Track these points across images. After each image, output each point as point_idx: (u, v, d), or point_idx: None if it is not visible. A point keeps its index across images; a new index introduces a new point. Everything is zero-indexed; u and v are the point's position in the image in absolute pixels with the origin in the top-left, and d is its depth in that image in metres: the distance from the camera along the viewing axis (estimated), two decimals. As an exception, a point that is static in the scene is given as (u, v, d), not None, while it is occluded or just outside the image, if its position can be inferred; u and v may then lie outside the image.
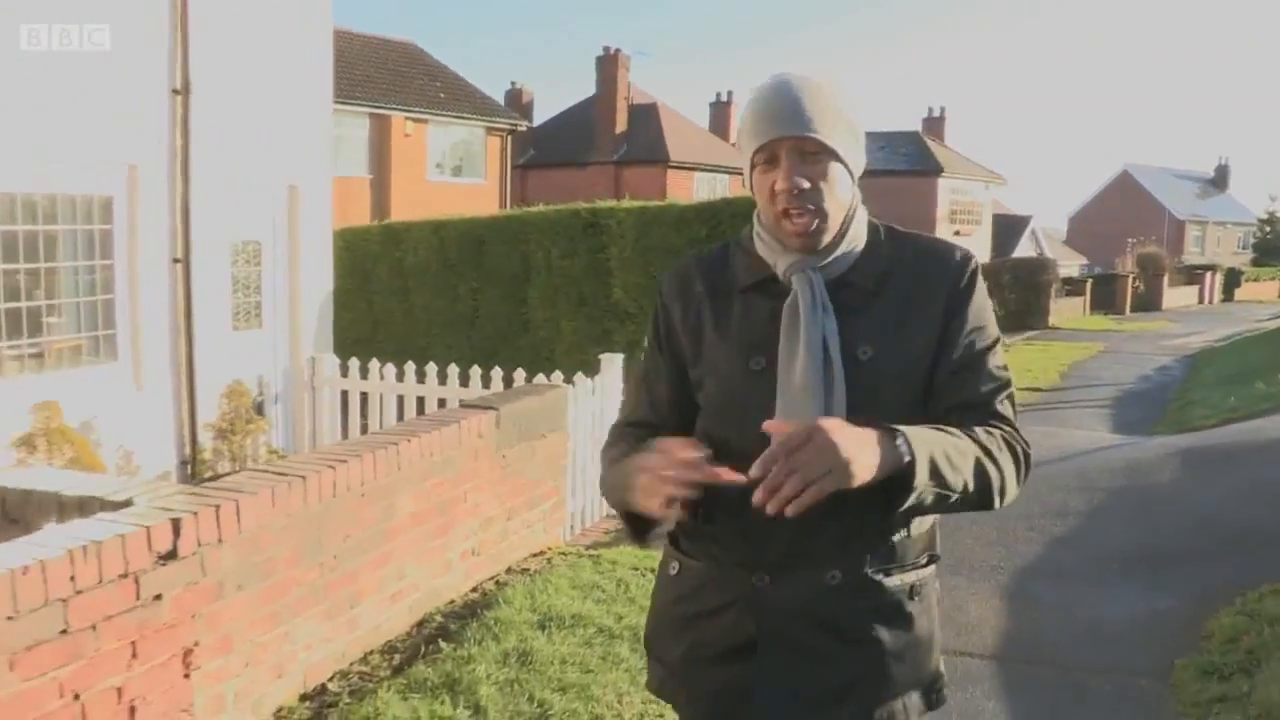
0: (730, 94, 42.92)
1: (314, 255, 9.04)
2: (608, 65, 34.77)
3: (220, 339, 7.93)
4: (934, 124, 47.14)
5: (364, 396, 8.38)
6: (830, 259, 1.97)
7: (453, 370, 7.77)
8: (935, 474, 1.76)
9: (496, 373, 7.46)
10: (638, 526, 2.02)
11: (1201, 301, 45.79)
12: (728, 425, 1.98)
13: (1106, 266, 46.89)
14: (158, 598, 3.48)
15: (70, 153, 6.79)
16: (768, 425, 1.75)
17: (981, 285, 2.04)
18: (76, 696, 3.23)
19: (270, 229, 8.68)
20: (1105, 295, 38.13)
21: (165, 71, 7.28)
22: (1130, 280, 40.14)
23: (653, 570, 4.90)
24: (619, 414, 2.30)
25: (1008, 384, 1.99)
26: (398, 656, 4.59)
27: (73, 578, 3.18)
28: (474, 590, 5.39)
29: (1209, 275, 48.54)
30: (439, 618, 5.00)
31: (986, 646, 5.05)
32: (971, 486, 1.82)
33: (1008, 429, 1.92)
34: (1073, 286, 37.09)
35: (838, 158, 1.94)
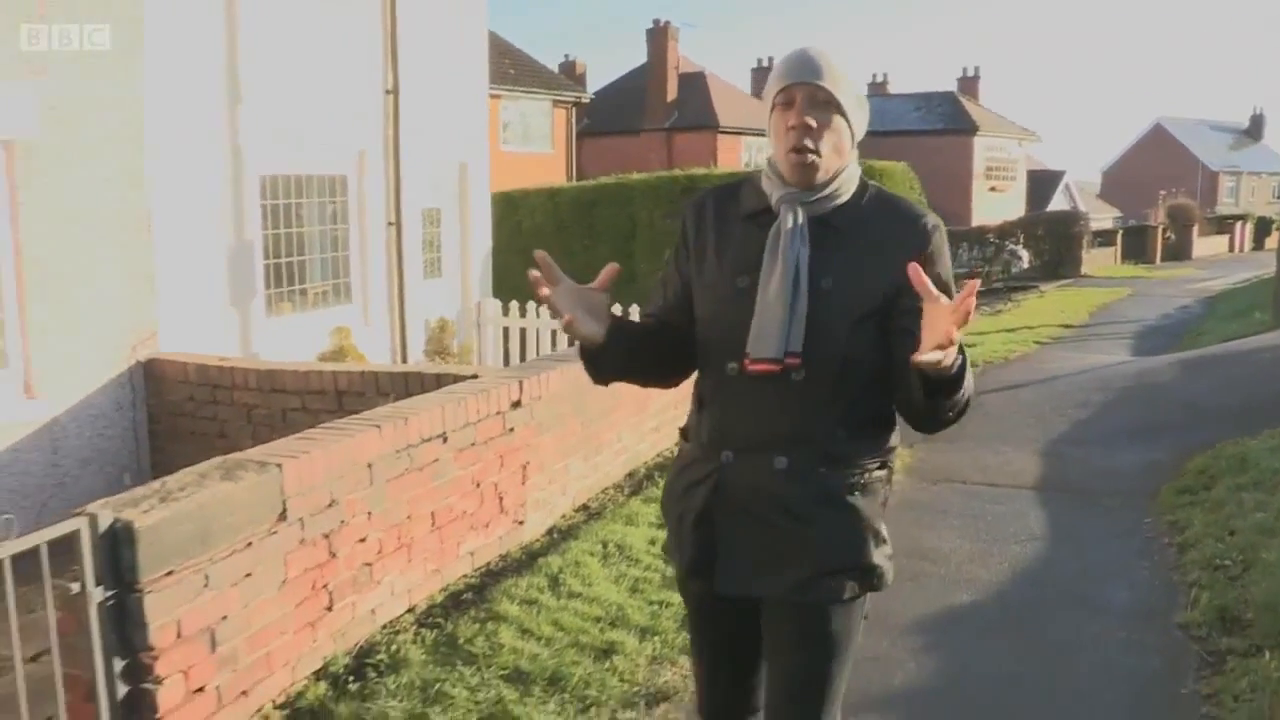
0: (771, 59, 44.56)
1: (478, 219, 11.22)
2: (658, 36, 36.47)
3: (417, 287, 10.06)
4: (969, 84, 48.22)
5: (522, 332, 10.55)
6: (816, 198, 2.29)
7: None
8: (962, 380, 2.11)
9: (616, 308, 9.56)
10: (585, 358, 2.37)
11: (1232, 250, 46.64)
12: (714, 330, 2.34)
13: (1140, 219, 47.85)
14: (511, 430, 5.59)
15: (319, 142, 8.91)
16: (912, 270, 1.99)
17: (944, 245, 2.34)
18: (477, 485, 5.33)
19: (447, 198, 10.83)
20: (1136, 245, 39.42)
21: (380, 76, 9.37)
22: (1160, 231, 41.40)
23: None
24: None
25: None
26: (625, 489, 6.72)
27: (476, 412, 5.30)
28: (657, 455, 7.50)
29: (1240, 225, 49.44)
30: (642, 469, 7.12)
31: (1028, 482, 7.13)
32: (962, 404, 2.18)
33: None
34: (1105, 238, 38.38)
35: (842, 112, 2.27)
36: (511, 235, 15.04)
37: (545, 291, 2.21)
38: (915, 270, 2.00)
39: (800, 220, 2.27)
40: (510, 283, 15.42)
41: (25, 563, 3.15)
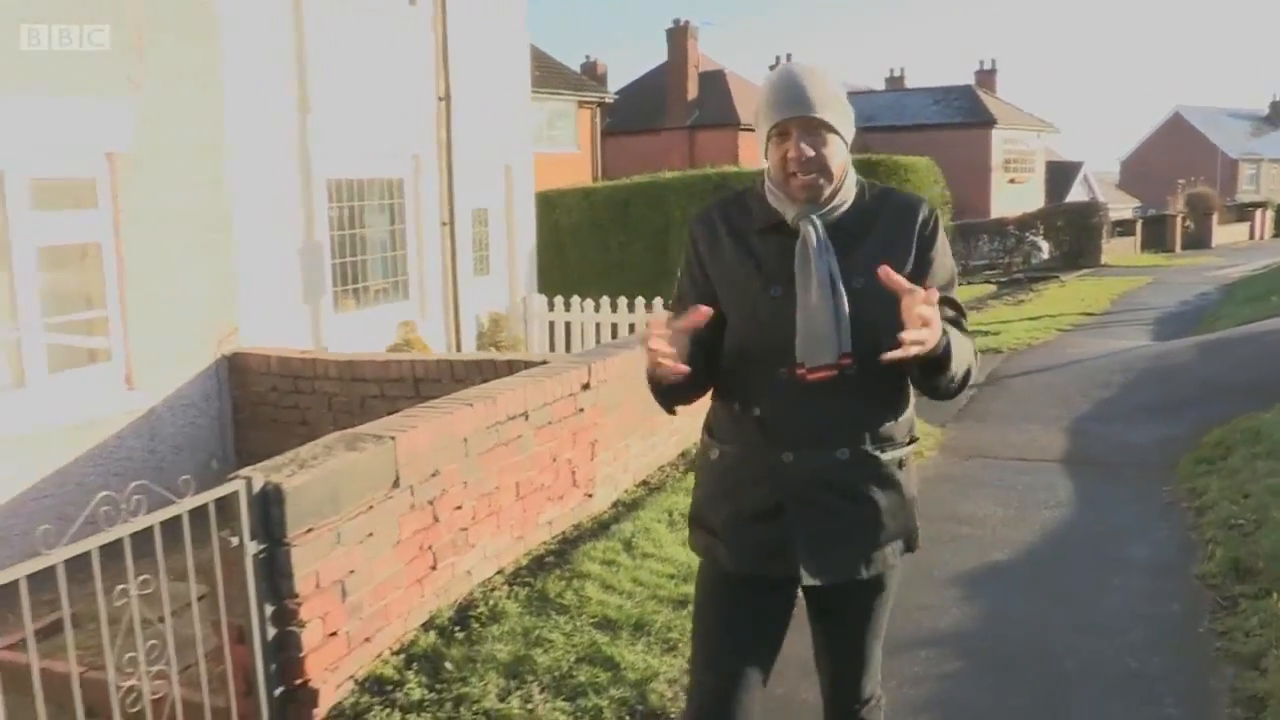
0: (789, 56, 44.94)
1: (523, 218, 11.79)
2: (678, 35, 36.95)
3: (467, 283, 10.60)
4: (986, 77, 48.22)
5: (567, 326, 11.08)
6: (827, 209, 2.44)
7: (622, 301, 10.47)
8: (951, 358, 2.29)
9: (658, 301, 10.05)
10: (662, 393, 2.52)
11: (1252, 237, 46.53)
12: (753, 340, 2.45)
13: (1160, 208, 47.89)
14: (581, 410, 6.09)
15: (378, 147, 9.46)
16: (884, 271, 2.21)
17: (941, 229, 2.51)
18: (553, 460, 5.83)
19: (494, 199, 11.37)
20: (1156, 235, 39.53)
21: (432, 84, 9.90)
22: (1180, 219, 41.56)
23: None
24: None
25: (964, 312, 2.53)
26: (679, 467, 7.22)
27: (552, 393, 5.81)
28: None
29: (1260, 212, 49.35)
30: (692, 449, 7.62)
31: (1055, 456, 7.61)
32: (959, 376, 2.36)
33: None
34: (1124, 227, 38.52)
35: (834, 130, 2.39)
36: (550, 233, 15.58)
37: (660, 345, 2.25)
38: (885, 272, 2.20)
39: (821, 232, 2.41)
40: (550, 279, 16.02)
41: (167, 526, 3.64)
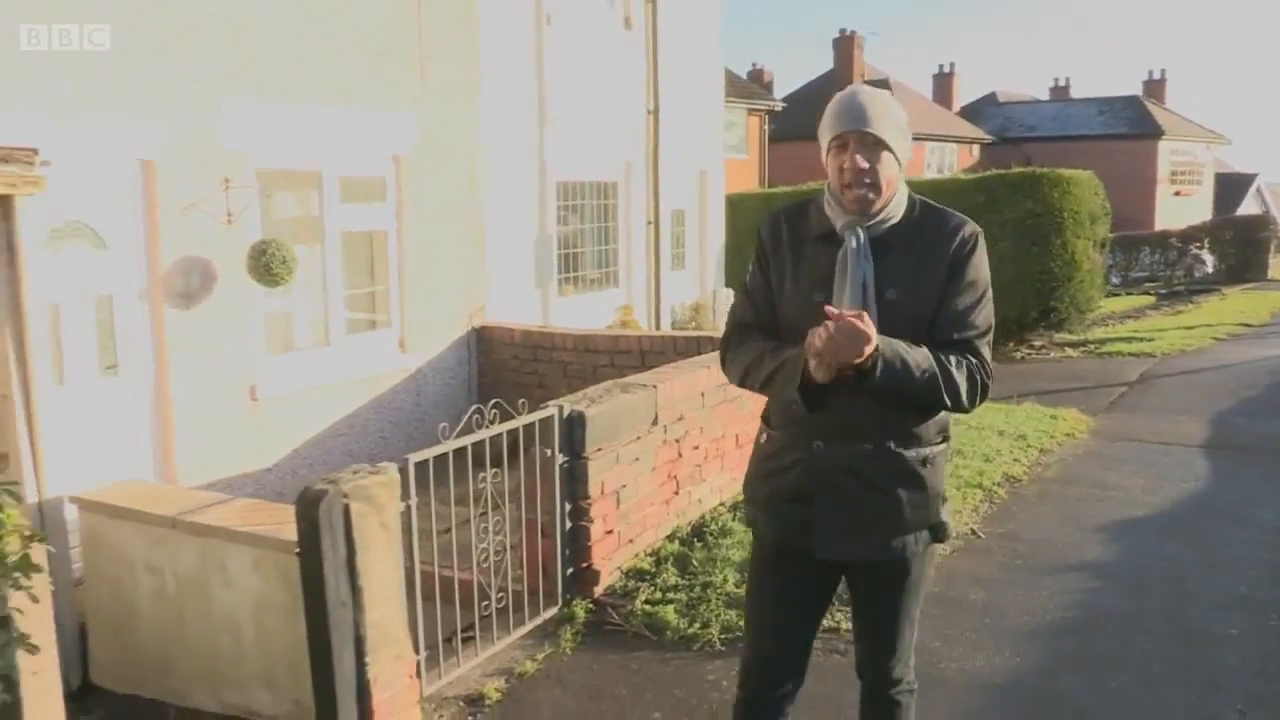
0: (953, 65, 45.26)
1: (714, 219, 13.13)
2: (844, 45, 37.73)
3: (666, 275, 11.95)
4: (1154, 86, 47.29)
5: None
6: (874, 221, 2.63)
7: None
8: (890, 370, 2.46)
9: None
10: (810, 396, 2.58)
11: None
12: (794, 335, 2.62)
13: (1338, 224, 46.82)
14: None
15: (598, 155, 10.88)
16: (828, 309, 2.42)
17: (979, 251, 2.65)
18: (723, 435, 7.05)
19: (690, 201, 12.73)
20: (1328, 251, 38.81)
21: (643, 99, 11.28)
22: (1358, 235, 40.53)
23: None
24: (729, 317, 2.99)
25: (985, 331, 2.65)
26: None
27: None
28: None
29: None
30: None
31: (1195, 442, 8.55)
32: (918, 386, 2.51)
33: (974, 361, 2.61)
34: (1295, 242, 37.95)
35: (888, 148, 2.59)
36: (731, 234, 16.79)
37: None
38: (827, 309, 2.44)
39: (863, 240, 2.62)
40: (733, 275, 17.21)
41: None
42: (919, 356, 2.52)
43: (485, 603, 4.80)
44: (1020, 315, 14.69)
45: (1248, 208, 46.87)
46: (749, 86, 31.36)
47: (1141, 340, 14.60)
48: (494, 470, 4.77)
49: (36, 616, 3.54)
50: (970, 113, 44.45)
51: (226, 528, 4.43)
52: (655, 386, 5.81)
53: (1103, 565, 5.74)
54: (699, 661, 4.65)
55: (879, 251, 2.63)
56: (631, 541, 5.70)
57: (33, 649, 3.46)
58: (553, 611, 5.18)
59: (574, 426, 5.21)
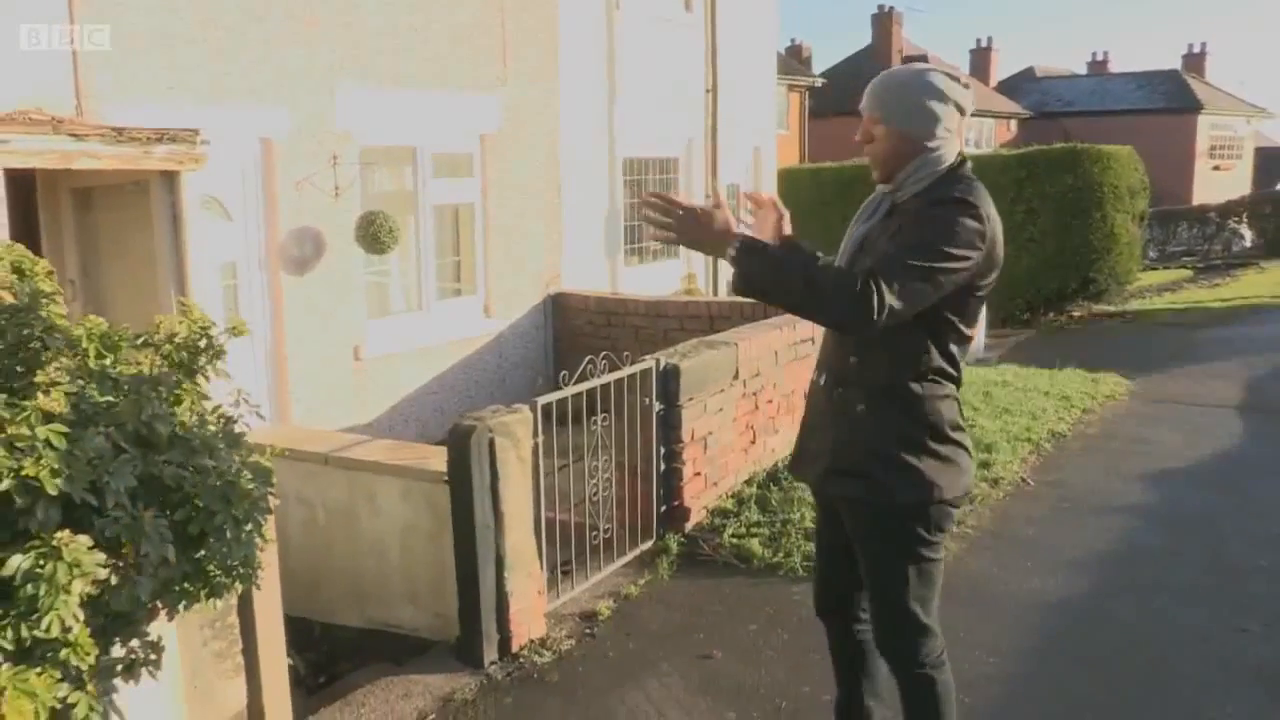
0: (990, 39, 45.43)
1: (767, 192, 13.69)
2: (883, 21, 38.07)
3: (722, 247, 12.53)
4: (1194, 61, 47.16)
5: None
6: (890, 189, 2.86)
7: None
8: (749, 254, 2.60)
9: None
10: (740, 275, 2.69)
11: None
12: None
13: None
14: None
15: (661, 131, 11.47)
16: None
17: (943, 214, 2.67)
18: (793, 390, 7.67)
19: (744, 175, 13.30)
20: (1370, 225, 38.76)
21: (702, 79, 11.85)
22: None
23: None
24: None
25: (900, 275, 2.56)
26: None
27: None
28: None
29: None
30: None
31: (1230, 403, 9.09)
32: (783, 280, 2.59)
33: (866, 285, 2.52)
34: (1337, 217, 37.93)
35: (885, 124, 2.81)
36: (780, 207, 17.37)
37: None
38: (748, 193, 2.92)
39: (871, 205, 2.92)
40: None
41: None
42: (799, 260, 2.60)
43: (594, 532, 5.44)
44: (1060, 286, 15.17)
45: (1289, 182, 46.79)
46: (788, 62, 31.74)
47: (1179, 310, 15.07)
48: (595, 418, 5.37)
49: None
50: (1008, 88, 44.61)
51: (377, 461, 5.09)
52: (736, 344, 6.42)
53: (1144, 508, 6.32)
54: (784, 585, 5.27)
55: (892, 214, 2.83)
56: (716, 484, 6.32)
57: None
58: (649, 544, 5.82)
59: (669, 378, 5.83)
